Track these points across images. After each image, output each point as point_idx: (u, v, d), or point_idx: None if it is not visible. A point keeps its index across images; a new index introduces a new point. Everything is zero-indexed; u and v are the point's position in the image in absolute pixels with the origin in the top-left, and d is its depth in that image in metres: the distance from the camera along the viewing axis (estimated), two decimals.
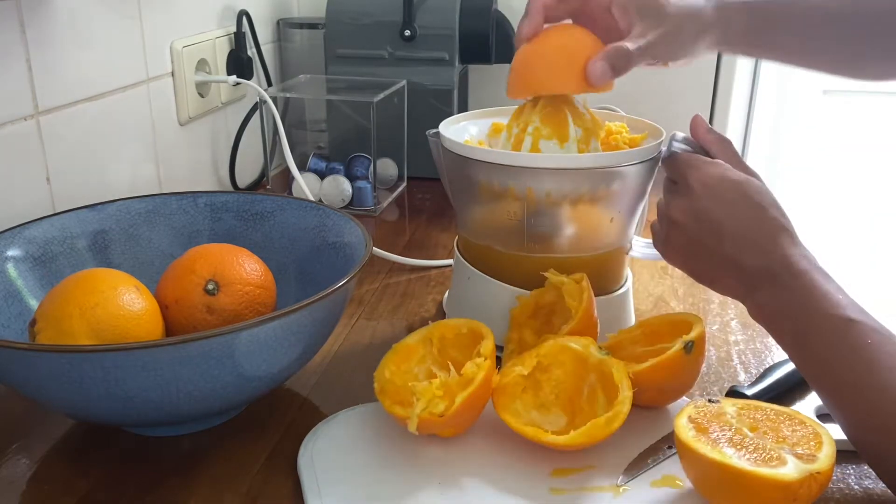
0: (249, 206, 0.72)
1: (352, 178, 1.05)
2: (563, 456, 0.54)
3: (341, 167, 1.07)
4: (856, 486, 0.53)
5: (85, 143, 0.79)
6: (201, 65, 0.98)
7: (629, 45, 0.59)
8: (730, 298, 0.60)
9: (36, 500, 0.52)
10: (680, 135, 0.62)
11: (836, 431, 0.52)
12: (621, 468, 0.54)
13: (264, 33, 1.16)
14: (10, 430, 0.59)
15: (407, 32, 1.09)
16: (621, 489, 0.52)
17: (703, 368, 0.64)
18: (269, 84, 1.15)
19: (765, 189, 0.57)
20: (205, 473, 0.54)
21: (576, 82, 0.61)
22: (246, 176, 1.12)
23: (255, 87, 1.01)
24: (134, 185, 0.87)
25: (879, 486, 0.53)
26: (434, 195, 1.11)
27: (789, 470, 0.46)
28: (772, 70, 1.55)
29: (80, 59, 0.77)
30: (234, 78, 1.01)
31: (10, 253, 0.62)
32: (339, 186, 1.04)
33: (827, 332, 0.51)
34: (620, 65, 0.59)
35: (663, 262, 0.63)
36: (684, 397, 0.61)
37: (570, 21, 0.65)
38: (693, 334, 0.57)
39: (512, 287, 0.66)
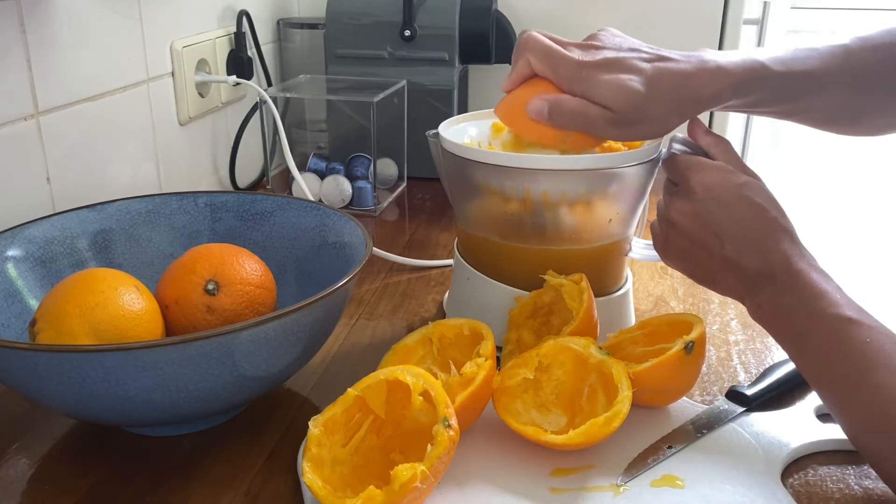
0: (249, 206, 0.72)
1: (352, 178, 1.05)
2: (563, 456, 0.54)
3: (341, 167, 1.07)
4: (856, 486, 0.53)
5: (85, 143, 0.79)
6: (201, 65, 0.98)
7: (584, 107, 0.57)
8: (730, 298, 0.60)
9: (36, 499, 0.52)
10: (680, 136, 0.62)
11: (836, 431, 0.52)
12: (621, 468, 0.54)
13: (264, 33, 1.16)
14: (10, 430, 0.59)
15: (407, 32, 1.09)
16: (621, 489, 0.52)
17: (703, 368, 0.64)
18: (269, 84, 1.15)
19: (765, 190, 0.57)
20: (205, 473, 0.54)
21: (552, 137, 0.60)
22: (246, 176, 1.12)
23: (255, 87, 1.01)
24: (134, 185, 0.87)
25: (879, 486, 0.53)
26: (434, 195, 1.11)
27: None
28: None
29: (80, 59, 0.77)
30: (234, 78, 1.01)
31: (10, 253, 0.62)
32: (339, 186, 1.04)
33: (826, 331, 0.51)
34: (555, 113, 0.57)
35: (663, 263, 0.63)
36: (684, 397, 0.61)
37: None
38: (693, 334, 0.57)
39: (511, 287, 0.66)
